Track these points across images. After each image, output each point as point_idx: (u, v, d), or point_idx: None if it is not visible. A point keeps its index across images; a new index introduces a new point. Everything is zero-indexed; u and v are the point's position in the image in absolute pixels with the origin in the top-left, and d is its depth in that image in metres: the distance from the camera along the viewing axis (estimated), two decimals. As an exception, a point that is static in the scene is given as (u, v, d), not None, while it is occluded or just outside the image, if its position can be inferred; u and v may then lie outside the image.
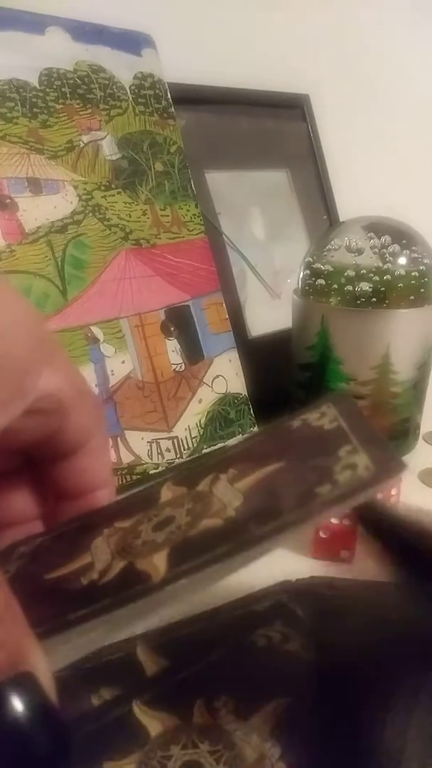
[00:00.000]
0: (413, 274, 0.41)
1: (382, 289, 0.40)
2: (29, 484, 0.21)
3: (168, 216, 0.43)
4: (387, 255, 0.41)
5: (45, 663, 0.13)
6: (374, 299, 0.40)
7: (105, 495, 0.21)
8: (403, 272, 0.41)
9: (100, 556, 0.20)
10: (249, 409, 0.44)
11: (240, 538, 0.17)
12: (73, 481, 0.21)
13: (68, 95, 0.39)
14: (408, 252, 0.41)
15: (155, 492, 0.21)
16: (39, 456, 0.20)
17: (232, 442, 0.43)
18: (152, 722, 0.21)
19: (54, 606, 0.19)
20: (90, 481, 0.21)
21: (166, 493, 0.21)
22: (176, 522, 0.20)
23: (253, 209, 0.55)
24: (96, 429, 0.20)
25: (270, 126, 0.58)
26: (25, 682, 0.12)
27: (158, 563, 0.20)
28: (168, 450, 0.39)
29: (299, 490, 0.18)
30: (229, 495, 0.20)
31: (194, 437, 0.40)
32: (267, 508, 0.18)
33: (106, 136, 0.41)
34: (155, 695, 0.22)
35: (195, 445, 0.40)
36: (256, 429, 0.44)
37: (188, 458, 0.22)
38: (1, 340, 0.16)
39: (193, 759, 0.20)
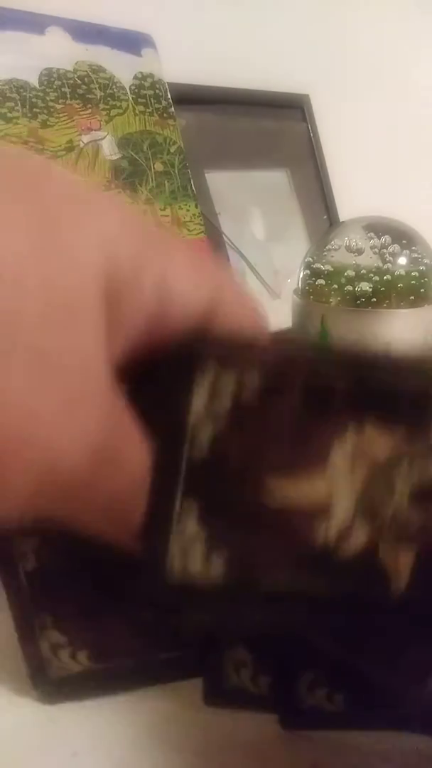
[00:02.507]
0: (413, 274, 0.41)
1: (382, 289, 0.40)
2: None
3: (168, 216, 0.43)
4: (387, 255, 0.41)
5: None
6: (374, 299, 0.40)
7: None
8: (403, 272, 0.41)
9: (340, 499, 0.17)
10: (249, 409, 0.44)
11: None
12: None
13: (68, 95, 0.39)
14: (408, 252, 0.41)
15: (429, 394, 0.16)
16: None
17: None
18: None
19: (285, 551, 0.17)
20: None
21: None
22: None
23: (253, 209, 0.55)
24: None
25: (270, 126, 0.58)
26: None
27: (402, 569, 0.17)
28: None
29: None
30: None
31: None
32: None
33: (106, 136, 0.41)
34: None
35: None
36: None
37: None
38: None
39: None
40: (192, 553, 0.17)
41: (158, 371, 0.17)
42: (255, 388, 0.16)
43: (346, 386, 0.16)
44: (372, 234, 0.42)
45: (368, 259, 0.41)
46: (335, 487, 0.17)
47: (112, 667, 0.22)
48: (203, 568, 0.17)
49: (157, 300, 0.15)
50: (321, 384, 0.16)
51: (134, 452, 0.16)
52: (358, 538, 0.17)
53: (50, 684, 0.22)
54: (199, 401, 0.17)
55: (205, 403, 0.17)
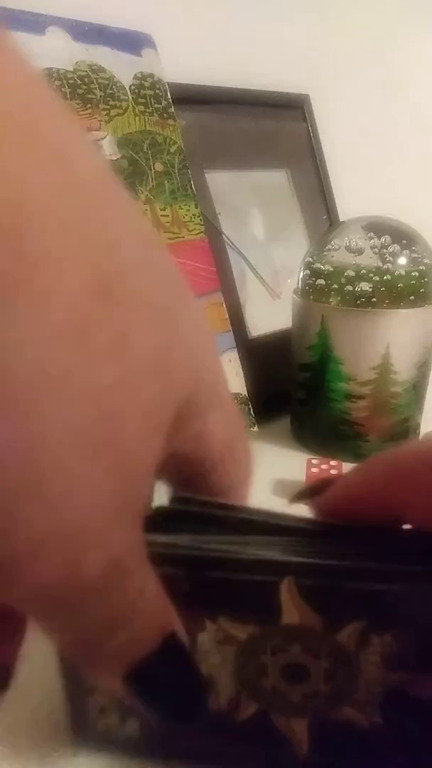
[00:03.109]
0: (413, 274, 0.41)
1: (382, 289, 0.40)
2: None
3: (168, 216, 0.43)
4: (387, 255, 0.41)
5: (180, 626, 0.16)
6: (374, 299, 0.40)
7: None
8: (403, 272, 0.40)
9: (218, 676, 0.19)
10: (249, 409, 0.44)
11: None
12: None
13: (68, 95, 0.39)
14: (408, 252, 0.41)
15: (272, 589, 0.17)
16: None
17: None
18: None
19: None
20: None
21: (289, 607, 0.17)
22: (312, 683, 0.18)
23: (253, 209, 0.55)
24: (238, 486, 0.18)
25: (270, 126, 0.57)
26: (174, 638, 0.16)
27: (299, 732, 0.19)
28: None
29: None
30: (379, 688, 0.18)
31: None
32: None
33: (106, 136, 0.41)
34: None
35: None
36: (256, 429, 0.44)
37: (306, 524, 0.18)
38: (183, 369, 0.14)
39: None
40: (109, 715, 0.20)
41: None
42: None
43: (192, 588, 0.18)
44: (372, 234, 0.42)
45: (368, 259, 0.41)
46: (209, 666, 0.19)
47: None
48: (120, 727, 0.20)
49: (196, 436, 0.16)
50: (169, 586, 0.17)
51: (148, 576, 0.15)
52: (248, 708, 0.19)
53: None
54: None
55: None
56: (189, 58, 0.48)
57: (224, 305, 0.45)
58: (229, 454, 0.17)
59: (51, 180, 0.10)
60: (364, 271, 0.41)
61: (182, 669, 0.16)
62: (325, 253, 0.43)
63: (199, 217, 0.44)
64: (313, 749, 0.19)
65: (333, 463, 0.39)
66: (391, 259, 0.41)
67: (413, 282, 0.41)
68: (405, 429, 0.44)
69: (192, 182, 0.45)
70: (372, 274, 0.40)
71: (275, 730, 0.19)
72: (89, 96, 0.40)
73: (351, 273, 0.41)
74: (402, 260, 0.41)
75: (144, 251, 0.12)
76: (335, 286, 0.42)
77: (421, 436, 0.47)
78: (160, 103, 0.44)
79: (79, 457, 0.11)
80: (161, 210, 0.42)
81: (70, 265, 0.10)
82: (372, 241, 0.41)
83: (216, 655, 0.18)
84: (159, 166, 0.43)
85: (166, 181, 0.43)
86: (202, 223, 0.45)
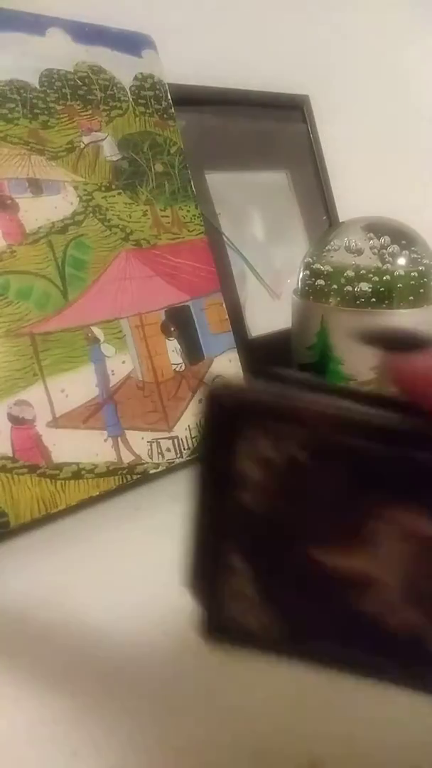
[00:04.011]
0: (413, 274, 0.41)
1: (382, 289, 0.40)
2: None
3: (168, 216, 0.43)
4: (386, 255, 0.41)
5: None
6: (374, 299, 0.40)
7: None
8: (402, 272, 0.41)
9: (383, 576, 0.16)
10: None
11: None
12: None
13: (69, 96, 0.39)
14: (408, 252, 0.41)
15: None
16: None
17: None
18: None
19: (334, 621, 0.17)
20: None
21: None
22: None
23: (253, 210, 0.55)
24: None
25: (270, 126, 0.58)
26: None
27: None
28: (168, 450, 0.39)
29: None
30: None
31: (194, 437, 0.40)
32: None
33: (106, 137, 0.41)
34: None
35: (195, 444, 0.41)
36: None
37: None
38: None
39: None
40: (244, 604, 0.18)
41: (207, 428, 0.17)
42: (295, 457, 0.16)
43: (393, 463, 0.15)
44: (371, 234, 0.42)
45: (368, 260, 0.41)
46: (376, 563, 0.16)
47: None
48: (256, 621, 0.18)
49: None
50: (366, 458, 0.15)
51: None
52: (406, 620, 0.17)
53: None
54: (244, 464, 0.16)
55: (250, 466, 0.16)
56: (189, 58, 0.49)
57: (224, 305, 0.45)
58: None
59: None
60: (363, 271, 0.41)
61: None
62: (324, 253, 0.43)
63: (199, 217, 0.45)
64: None
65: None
66: (390, 259, 0.41)
67: (413, 282, 0.41)
68: (405, 429, 0.44)
69: (192, 183, 0.45)
70: (371, 275, 0.41)
71: (426, 651, 0.17)
72: (90, 97, 0.40)
73: (351, 273, 0.41)
74: (401, 260, 0.41)
75: None
76: (335, 286, 0.42)
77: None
78: (161, 104, 0.44)
79: None
80: (161, 210, 0.42)
81: None
82: (371, 241, 0.41)
83: (386, 551, 0.16)
84: (159, 167, 0.43)
85: (166, 182, 0.43)
86: (202, 223, 0.45)
